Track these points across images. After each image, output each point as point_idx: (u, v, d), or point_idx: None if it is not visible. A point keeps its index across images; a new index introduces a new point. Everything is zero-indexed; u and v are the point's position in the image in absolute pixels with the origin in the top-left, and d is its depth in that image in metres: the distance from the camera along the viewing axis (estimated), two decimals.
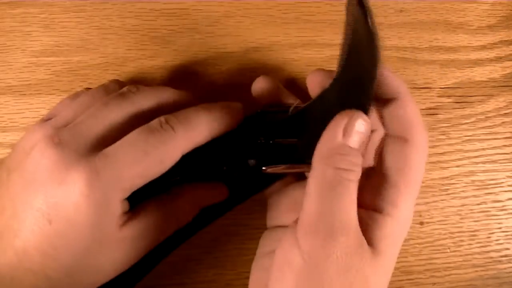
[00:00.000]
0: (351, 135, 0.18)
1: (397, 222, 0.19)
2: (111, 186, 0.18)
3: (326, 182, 0.18)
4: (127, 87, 0.22)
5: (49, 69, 0.27)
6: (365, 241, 0.18)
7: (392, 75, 0.19)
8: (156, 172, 0.19)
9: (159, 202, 0.22)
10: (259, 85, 0.25)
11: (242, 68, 0.28)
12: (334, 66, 0.28)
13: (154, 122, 0.20)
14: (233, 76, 0.28)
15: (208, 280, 0.26)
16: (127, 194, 0.19)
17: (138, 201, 0.21)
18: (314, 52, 0.29)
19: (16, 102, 0.27)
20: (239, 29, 0.28)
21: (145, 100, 0.21)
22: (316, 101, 0.23)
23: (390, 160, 0.19)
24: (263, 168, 0.23)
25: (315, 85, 0.24)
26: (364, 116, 0.19)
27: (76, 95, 0.23)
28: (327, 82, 0.22)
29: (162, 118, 0.20)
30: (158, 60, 0.28)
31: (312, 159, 0.19)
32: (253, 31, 0.29)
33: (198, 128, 0.21)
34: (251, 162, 0.24)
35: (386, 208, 0.19)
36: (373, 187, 0.20)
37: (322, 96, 0.22)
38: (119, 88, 0.22)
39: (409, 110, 0.19)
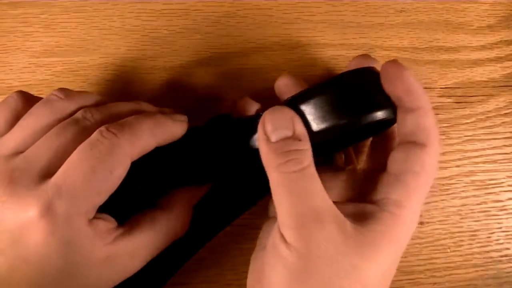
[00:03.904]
0: (271, 133, 0.19)
1: (403, 222, 0.19)
2: (72, 214, 0.18)
3: (281, 181, 0.19)
4: (81, 112, 0.20)
5: (49, 70, 0.27)
6: (349, 227, 0.18)
7: (417, 84, 0.20)
8: (110, 184, 0.19)
9: (153, 215, 0.22)
10: (283, 83, 0.25)
11: (242, 68, 0.28)
12: (334, 66, 0.29)
13: (95, 134, 0.19)
14: (233, 76, 0.28)
15: (208, 280, 0.26)
16: (91, 214, 0.19)
17: (127, 213, 0.21)
18: (314, 53, 0.29)
19: None
20: (239, 29, 0.28)
21: (102, 122, 0.20)
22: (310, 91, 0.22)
23: (405, 164, 0.20)
24: None
25: (283, 89, 0.24)
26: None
27: (8, 106, 0.21)
28: (293, 88, 0.23)
29: (102, 128, 0.19)
30: (159, 61, 0.28)
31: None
32: (253, 31, 0.29)
33: (142, 133, 0.20)
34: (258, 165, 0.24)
35: (392, 207, 0.19)
36: (381, 186, 0.20)
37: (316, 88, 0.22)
38: (65, 99, 0.21)
39: (430, 119, 0.20)
